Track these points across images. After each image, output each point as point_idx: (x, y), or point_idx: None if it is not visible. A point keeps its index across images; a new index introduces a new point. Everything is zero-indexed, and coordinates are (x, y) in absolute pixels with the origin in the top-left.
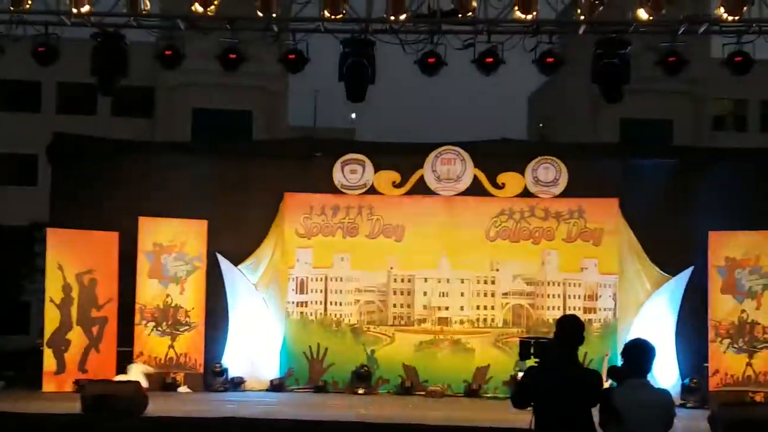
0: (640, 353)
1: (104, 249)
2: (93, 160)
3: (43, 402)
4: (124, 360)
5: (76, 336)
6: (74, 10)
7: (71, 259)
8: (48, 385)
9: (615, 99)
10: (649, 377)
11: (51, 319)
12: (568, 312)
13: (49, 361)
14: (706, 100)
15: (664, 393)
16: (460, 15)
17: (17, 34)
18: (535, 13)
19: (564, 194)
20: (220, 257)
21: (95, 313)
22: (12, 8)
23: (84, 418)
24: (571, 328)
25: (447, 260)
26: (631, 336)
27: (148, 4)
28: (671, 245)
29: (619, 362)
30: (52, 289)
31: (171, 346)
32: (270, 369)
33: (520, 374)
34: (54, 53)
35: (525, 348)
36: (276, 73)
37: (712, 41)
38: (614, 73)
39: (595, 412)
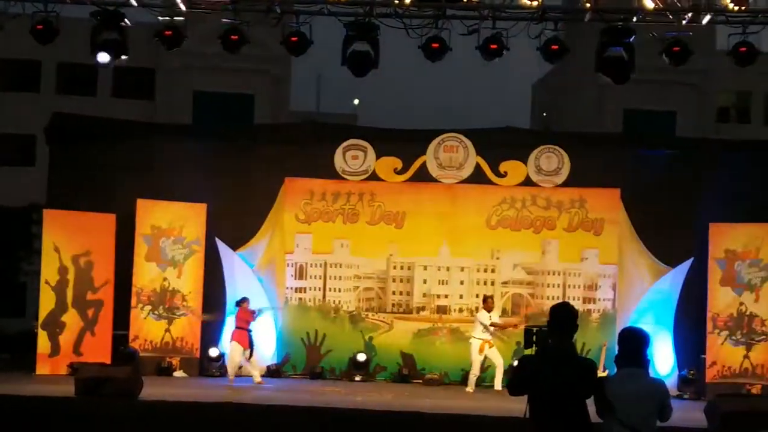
0: (633, 341)
1: (101, 231)
2: (92, 141)
3: (36, 385)
4: (119, 343)
5: (71, 318)
6: None
7: (68, 241)
8: (42, 368)
9: (622, 81)
10: (649, 366)
11: (46, 301)
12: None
13: (43, 343)
14: (710, 92)
15: (658, 382)
16: (465, 0)
17: (16, 12)
18: None
19: (566, 184)
20: (218, 242)
21: (91, 295)
22: None
23: (78, 401)
24: (563, 316)
25: (447, 248)
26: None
27: None
28: (672, 236)
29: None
30: (48, 271)
31: (167, 330)
32: (267, 355)
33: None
34: (53, 31)
35: (528, 336)
36: (279, 57)
37: (717, 34)
38: (619, 62)
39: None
